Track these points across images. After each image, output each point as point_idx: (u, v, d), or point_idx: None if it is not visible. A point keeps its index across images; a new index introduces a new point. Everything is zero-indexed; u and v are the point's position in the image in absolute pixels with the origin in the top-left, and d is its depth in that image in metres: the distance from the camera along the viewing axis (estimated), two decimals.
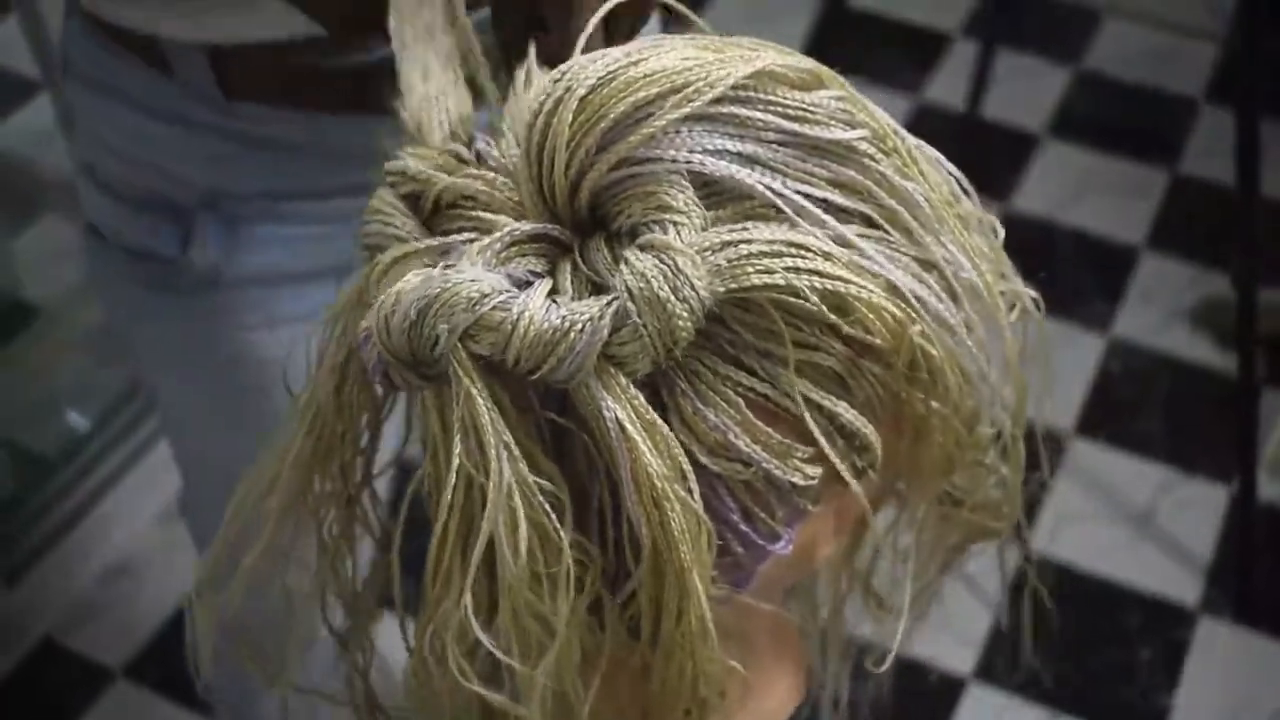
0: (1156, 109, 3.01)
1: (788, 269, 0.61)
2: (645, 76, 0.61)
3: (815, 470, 0.65)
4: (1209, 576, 2.28)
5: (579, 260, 0.63)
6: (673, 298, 0.59)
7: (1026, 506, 0.81)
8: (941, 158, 0.69)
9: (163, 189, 1.12)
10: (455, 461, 0.60)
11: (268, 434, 0.70)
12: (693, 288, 0.60)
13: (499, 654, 0.62)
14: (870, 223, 0.64)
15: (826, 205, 0.63)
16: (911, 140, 0.67)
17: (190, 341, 1.20)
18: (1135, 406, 2.49)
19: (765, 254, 0.61)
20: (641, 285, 0.59)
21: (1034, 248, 2.65)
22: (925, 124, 2.84)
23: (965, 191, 0.69)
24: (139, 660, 2.17)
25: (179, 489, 2.05)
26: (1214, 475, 2.42)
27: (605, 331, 0.59)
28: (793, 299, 0.61)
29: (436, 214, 0.67)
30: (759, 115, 0.62)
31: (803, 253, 0.61)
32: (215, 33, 0.99)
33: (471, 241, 0.64)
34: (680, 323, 0.60)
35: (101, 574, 2.25)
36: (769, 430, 0.63)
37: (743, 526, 0.65)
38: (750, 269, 0.61)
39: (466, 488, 0.61)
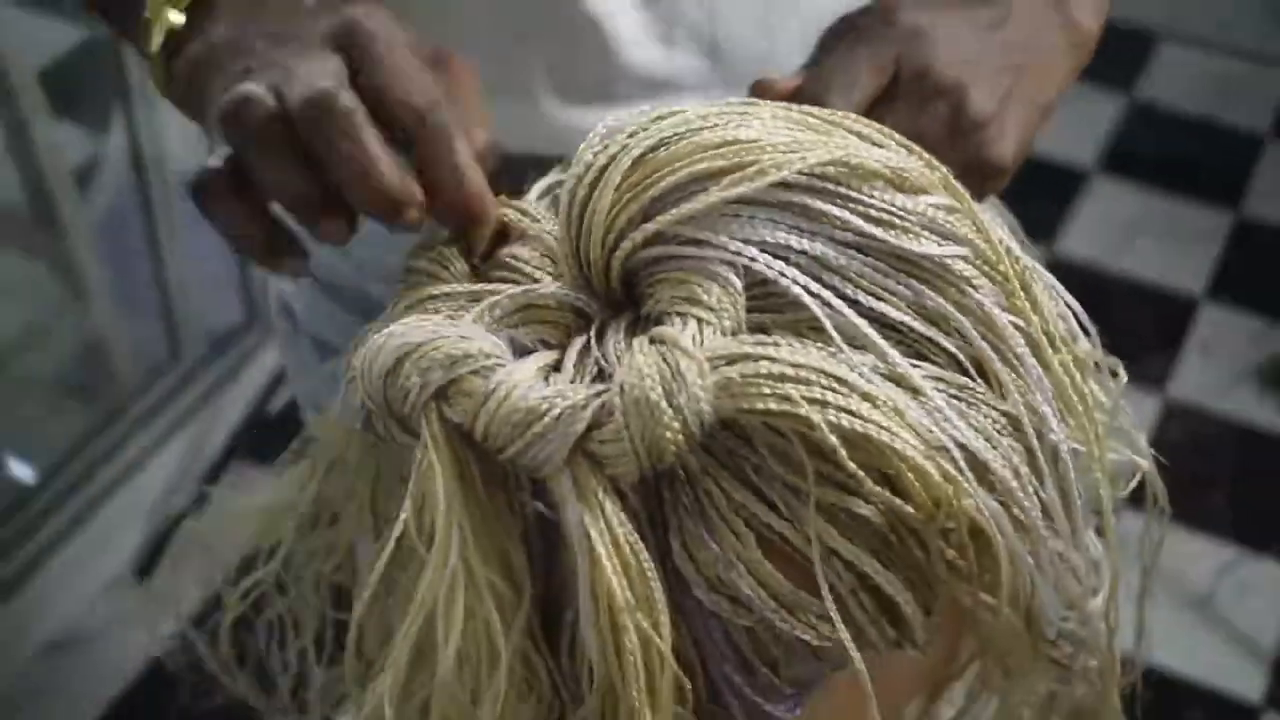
0: (1219, 143, 3.01)
1: (811, 399, 0.57)
2: (713, 147, 0.59)
3: (831, 630, 0.60)
4: (1275, 669, 2.25)
5: (593, 339, 0.61)
6: (664, 403, 0.57)
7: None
8: (1059, 287, 0.66)
9: (376, 291, 1.10)
10: (397, 529, 0.59)
11: None
12: (691, 397, 0.57)
13: None
14: (957, 364, 0.61)
15: (900, 332, 0.61)
16: (1027, 262, 0.63)
17: None
18: (1195, 477, 2.46)
19: (788, 378, 0.57)
20: (634, 382, 0.57)
21: (1082, 296, 2.63)
22: None
23: (1085, 330, 0.67)
24: None
25: (134, 551, 2.33)
26: None
27: (583, 424, 0.57)
28: (810, 434, 0.57)
29: (486, 261, 0.66)
30: (835, 211, 0.60)
31: (836, 385, 0.58)
32: None
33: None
34: (667, 434, 0.57)
35: (45, 648, 2.24)
36: (779, 575, 0.60)
37: (736, 678, 0.62)
38: (766, 390, 0.57)
39: (417, 565, 0.60)
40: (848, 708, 0.65)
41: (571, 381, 0.59)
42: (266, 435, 2.44)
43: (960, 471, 0.59)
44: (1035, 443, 0.62)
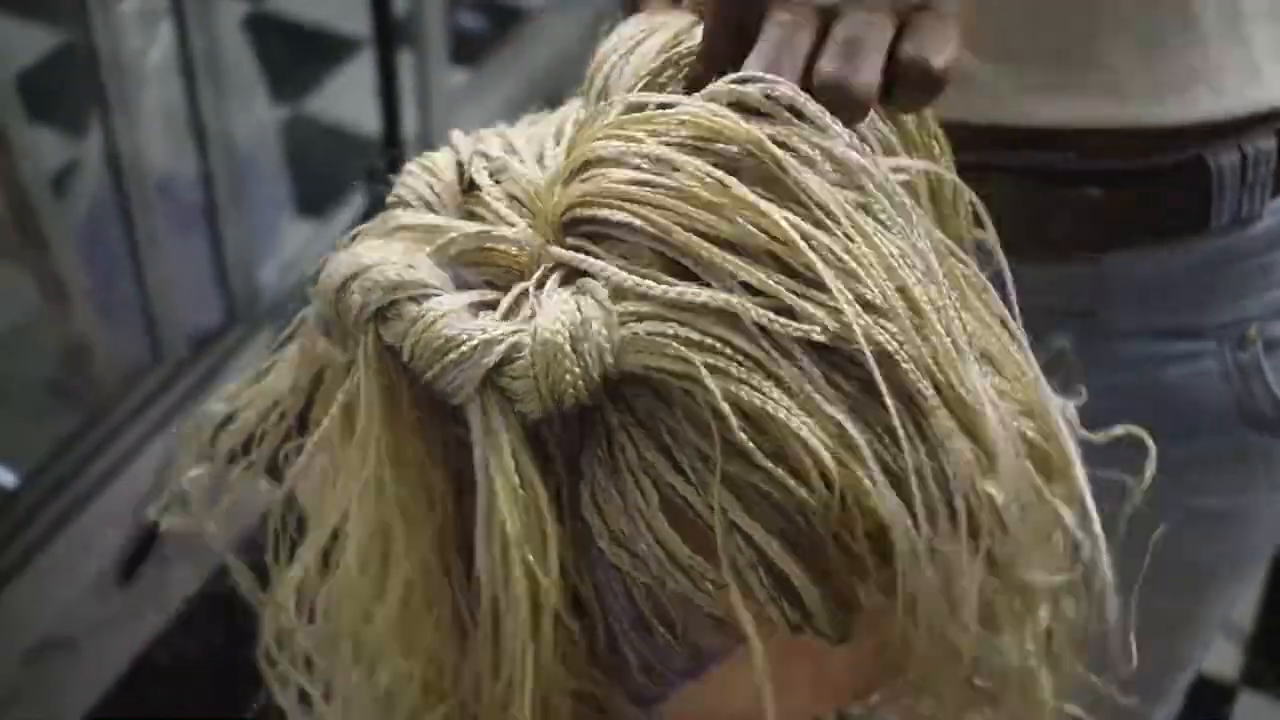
0: None
1: (713, 368, 0.58)
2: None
3: (728, 600, 0.61)
4: (1250, 646, 2.29)
5: (533, 285, 0.63)
6: (567, 348, 0.59)
7: None
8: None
9: None
10: (316, 435, 0.65)
11: None
12: (594, 346, 0.59)
13: None
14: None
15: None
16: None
17: None
18: None
19: (693, 343, 0.58)
20: (546, 325, 0.60)
21: None
22: None
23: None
24: None
25: (116, 553, 2.30)
26: None
27: (494, 359, 0.60)
28: (703, 398, 0.58)
29: (472, 191, 0.68)
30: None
31: (743, 360, 0.58)
32: None
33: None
34: (567, 377, 0.59)
35: (29, 650, 2.23)
36: (677, 538, 0.61)
37: (632, 633, 0.64)
38: (669, 351, 0.59)
39: (327, 474, 0.66)
40: (773, 684, 0.66)
41: (503, 320, 0.61)
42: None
43: (863, 464, 0.58)
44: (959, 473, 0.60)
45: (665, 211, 0.60)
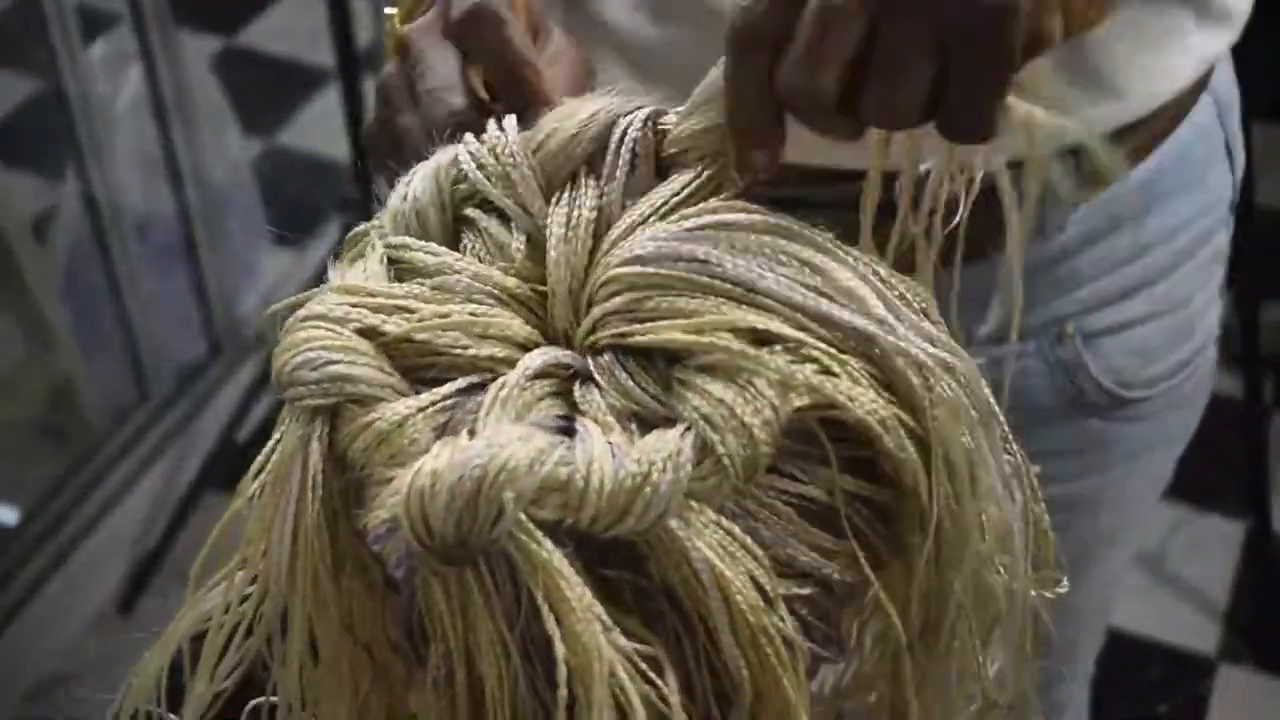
0: None
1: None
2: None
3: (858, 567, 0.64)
4: (1226, 621, 2.33)
5: (600, 387, 0.62)
6: (756, 421, 0.59)
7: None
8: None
9: None
10: (561, 648, 0.56)
11: None
12: (773, 409, 0.59)
13: None
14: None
15: None
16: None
17: None
18: None
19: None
20: (723, 413, 0.59)
21: None
22: None
23: None
24: None
25: (116, 588, 2.35)
26: (1227, 510, 2.46)
27: (689, 466, 0.58)
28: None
29: (404, 344, 0.64)
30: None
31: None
32: None
33: (469, 389, 0.62)
34: (766, 448, 0.59)
35: (36, 686, 2.26)
36: (823, 534, 0.63)
37: (807, 644, 0.63)
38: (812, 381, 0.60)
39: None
40: None
41: (623, 436, 0.61)
42: (237, 465, 2.39)
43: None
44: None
45: None
